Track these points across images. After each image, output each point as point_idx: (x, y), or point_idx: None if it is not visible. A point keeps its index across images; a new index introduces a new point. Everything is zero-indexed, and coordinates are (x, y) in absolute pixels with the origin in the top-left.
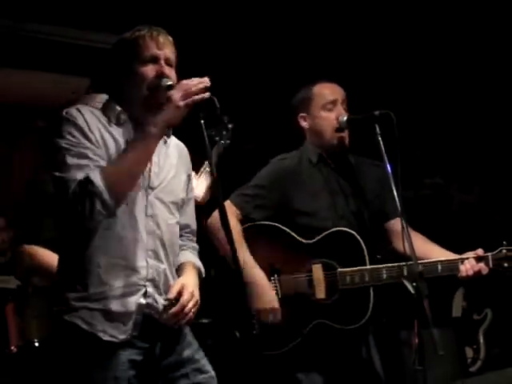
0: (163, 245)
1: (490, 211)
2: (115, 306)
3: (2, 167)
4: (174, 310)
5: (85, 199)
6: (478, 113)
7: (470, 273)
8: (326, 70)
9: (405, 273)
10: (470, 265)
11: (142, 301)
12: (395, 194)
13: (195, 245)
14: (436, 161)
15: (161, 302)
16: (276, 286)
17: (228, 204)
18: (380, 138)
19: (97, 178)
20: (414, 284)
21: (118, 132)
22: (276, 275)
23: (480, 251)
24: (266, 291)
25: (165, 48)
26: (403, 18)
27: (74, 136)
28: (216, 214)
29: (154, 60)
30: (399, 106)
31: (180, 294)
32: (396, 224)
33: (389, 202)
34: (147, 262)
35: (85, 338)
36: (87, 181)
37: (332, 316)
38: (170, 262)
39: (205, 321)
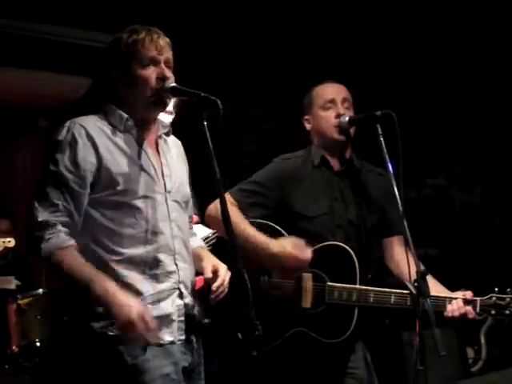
0: (185, 246)
1: (492, 212)
2: (155, 311)
3: (4, 167)
4: (216, 283)
5: (34, 247)
6: (481, 113)
7: (456, 314)
8: (328, 69)
9: (392, 301)
10: (456, 306)
11: (180, 302)
12: (397, 197)
13: (194, 231)
14: (438, 161)
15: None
16: (265, 287)
17: (227, 196)
18: (382, 138)
19: (53, 254)
20: (416, 284)
21: (122, 140)
22: (266, 276)
23: (469, 294)
24: (281, 246)
25: (164, 51)
26: (406, 18)
27: (64, 163)
28: (216, 204)
29: (155, 63)
30: (401, 106)
31: (215, 270)
32: (395, 243)
33: (392, 217)
34: (176, 265)
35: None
36: (46, 249)
37: (313, 327)
38: (192, 259)
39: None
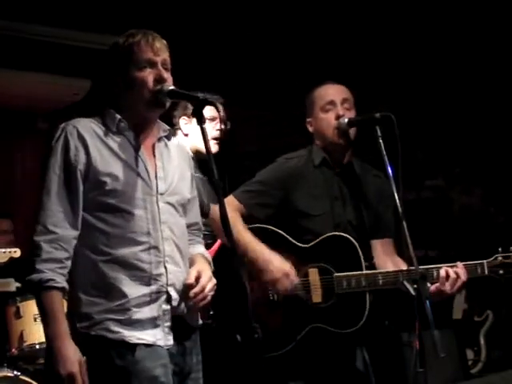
0: (178, 248)
1: (492, 212)
2: (139, 314)
3: (4, 169)
4: (195, 290)
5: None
6: (480, 115)
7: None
8: (328, 70)
9: (400, 279)
10: (445, 272)
11: (166, 306)
12: (397, 200)
13: (202, 240)
14: (437, 163)
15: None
16: (271, 290)
17: (232, 198)
18: (381, 140)
19: (42, 289)
20: (415, 286)
21: (114, 141)
22: None
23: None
24: (272, 261)
25: (161, 53)
26: (405, 20)
27: (56, 173)
28: (217, 208)
29: (151, 64)
30: (400, 108)
31: (198, 277)
32: (382, 245)
33: (383, 220)
34: (166, 268)
35: (116, 344)
36: (46, 283)
37: (328, 320)
38: (186, 264)
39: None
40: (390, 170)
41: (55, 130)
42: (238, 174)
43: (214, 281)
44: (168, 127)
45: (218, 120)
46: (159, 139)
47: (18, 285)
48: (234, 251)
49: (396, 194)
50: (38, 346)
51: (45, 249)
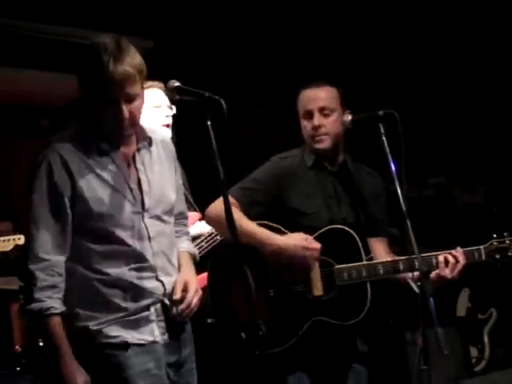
0: (168, 259)
1: (496, 211)
2: (137, 318)
3: (6, 166)
4: (181, 307)
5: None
6: (483, 112)
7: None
8: (330, 69)
9: (401, 268)
10: (443, 258)
11: (158, 305)
12: (400, 198)
13: (187, 229)
14: (440, 160)
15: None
16: (272, 287)
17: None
18: (384, 138)
19: (44, 317)
20: (419, 283)
21: (99, 164)
22: (271, 276)
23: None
24: (287, 239)
25: (126, 86)
26: (409, 18)
27: (43, 202)
28: (216, 204)
29: (113, 102)
30: (403, 105)
31: (185, 292)
32: (376, 244)
33: (377, 219)
34: (159, 280)
35: (115, 345)
36: (44, 310)
37: (330, 312)
38: (176, 269)
39: (210, 321)
40: (393, 168)
41: (39, 156)
42: (242, 172)
43: (200, 292)
44: (148, 135)
45: (163, 106)
46: (138, 149)
47: (22, 283)
48: (237, 250)
49: (399, 192)
50: (41, 343)
51: (40, 277)
